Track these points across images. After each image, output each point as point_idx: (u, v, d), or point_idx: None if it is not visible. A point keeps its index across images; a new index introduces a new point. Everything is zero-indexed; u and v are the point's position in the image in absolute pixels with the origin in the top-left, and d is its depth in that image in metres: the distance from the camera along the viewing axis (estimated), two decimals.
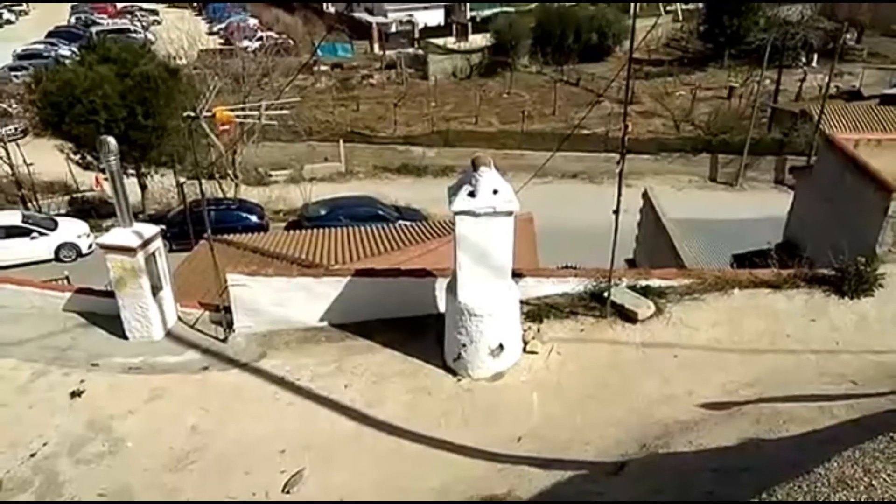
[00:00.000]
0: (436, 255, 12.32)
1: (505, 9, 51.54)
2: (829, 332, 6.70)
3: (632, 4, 44.72)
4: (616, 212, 6.83)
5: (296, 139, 31.29)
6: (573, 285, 7.49)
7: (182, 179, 24.32)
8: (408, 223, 18.16)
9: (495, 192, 6.03)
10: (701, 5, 41.91)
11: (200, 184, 9.02)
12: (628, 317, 6.99)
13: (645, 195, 16.57)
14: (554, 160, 25.30)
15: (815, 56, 38.31)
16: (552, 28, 43.63)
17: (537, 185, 19.19)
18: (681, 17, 46.61)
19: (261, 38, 44.89)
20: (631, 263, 15.03)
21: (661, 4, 44.21)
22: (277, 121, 9.30)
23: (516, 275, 6.88)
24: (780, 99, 33.80)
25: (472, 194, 6.03)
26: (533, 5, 51.84)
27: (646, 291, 7.25)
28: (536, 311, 7.16)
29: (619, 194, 6.79)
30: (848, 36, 40.19)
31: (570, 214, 21.34)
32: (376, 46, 48.39)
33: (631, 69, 6.30)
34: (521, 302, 6.86)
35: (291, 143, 31.37)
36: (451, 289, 6.53)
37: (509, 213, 6.11)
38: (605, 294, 7.12)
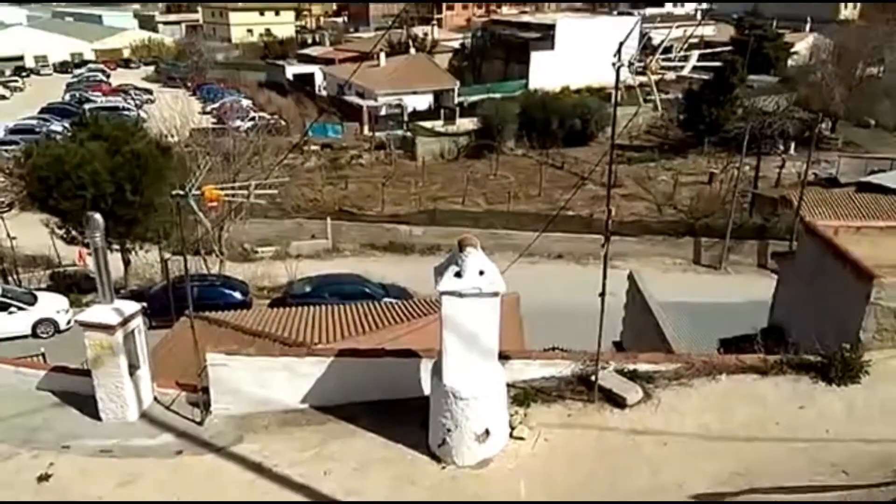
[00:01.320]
0: (422, 334, 12.18)
1: (492, 95, 53.47)
2: (818, 419, 6.60)
3: (612, 93, 46.40)
4: (602, 294, 6.84)
5: (283, 216, 31.52)
6: (560, 368, 7.39)
7: (167, 255, 24.21)
8: (394, 301, 18.07)
9: (481, 272, 6.03)
10: (680, 95, 43.65)
11: (185, 260, 8.96)
12: (616, 402, 6.86)
13: (630, 277, 16.65)
14: (540, 241, 25.62)
15: (793, 144, 39.77)
16: (537, 114, 45.23)
17: (523, 266, 19.31)
18: (660, 108, 48.41)
19: (253, 119, 45.97)
20: (618, 346, 14.93)
21: (640, 94, 45.86)
22: (266, 199, 9.36)
23: (503, 357, 6.78)
24: (759, 185, 34.81)
25: (458, 275, 6.03)
26: (518, 92, 53.90)
27: (633, 376, 7.16)
28: (523, 395, 7.02)
29: (605, 277, 6.82)
30: (823, 126, 41.94)
31: (556, 295, 21.35)
32: (366, 128, 49.64)
33: (613, 154, 6.48)
34: (508, 385, 6.73)
35: (279, 219, 31.57)
36: (437, 371, 6.41)
37: (495, 294, 6.09)
38: (593, 378, 7.02)
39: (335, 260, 29.93)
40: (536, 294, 18.16)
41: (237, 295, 23.69)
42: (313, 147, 44.80)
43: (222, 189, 7.07)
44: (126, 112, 49.31)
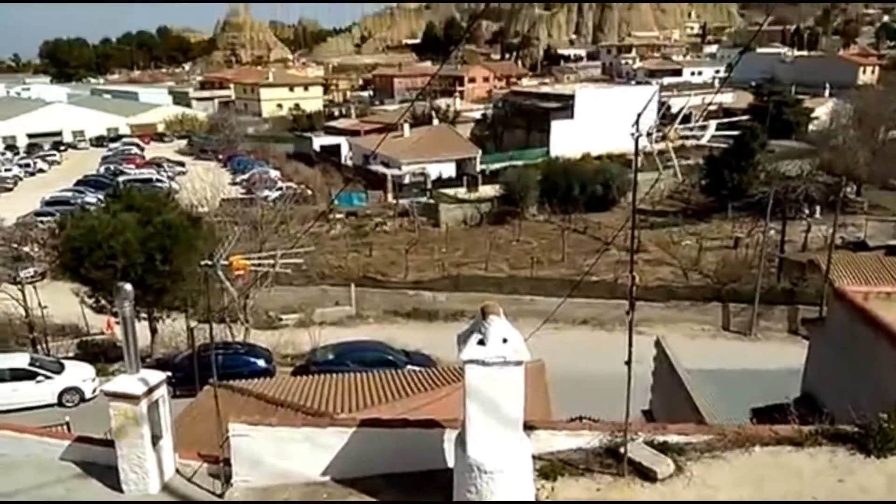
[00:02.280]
0: (445, 403, 12.00)
1: (513, 162, 54.29)
2: (859, 494, 6.30)
3: (633, 160, 47.01)
4: (628, 363, 6.72)
5: (308, 283, 31.77)
6: (588, 439, 7.19)
7: (193, 323, 24.44)
8: (417, 369, 17.90)
9: (505, 340, 5.98)
10: (701, 161, 43.88)
11: (211, 329, 9.05)
12: (647, 475, 6.63)
13: (658, 344, 16.37)
14: (564, 306, 25.39)
15: (818, 208, 39.47)
16: (558, 180, 45.63)
17: (548, 332, 19.11)
18: (679, 175, 48.69)
19: (280, 188, 47.07)
20: (647, 415, 14.56)
21: (659, 162, 46.42)
22: (291, 267, 9.50)
23: (528, 427, 6.64)
24: (786, 249, 34.39)
25: (481, 343, 5.99)
26: (539, 159, 54.68)
27: (664, 447, 6.93)
28: (550, 468, 6.82)
29: (631, 345, 6.71)
30: (848, 189, 41.67)
31: (581, 362, 20.99)
32: (390, 196, 50.44)
33: (635, 220, 6.50)
34: (534, 457, 6.56)
35: (303, 287, 31.82)
36: (461, 442, 6.29)
37: (519, 363, 6.02)
38: (622, 450, 6.81)
39: (359, 327, 29.90)
40: (562, 361, 17.88)
41: (261, 363, 23.68)
42: (338, 215, 45.56)
43: (249, 258, 7.21)
44: (158, 184, 50.86)
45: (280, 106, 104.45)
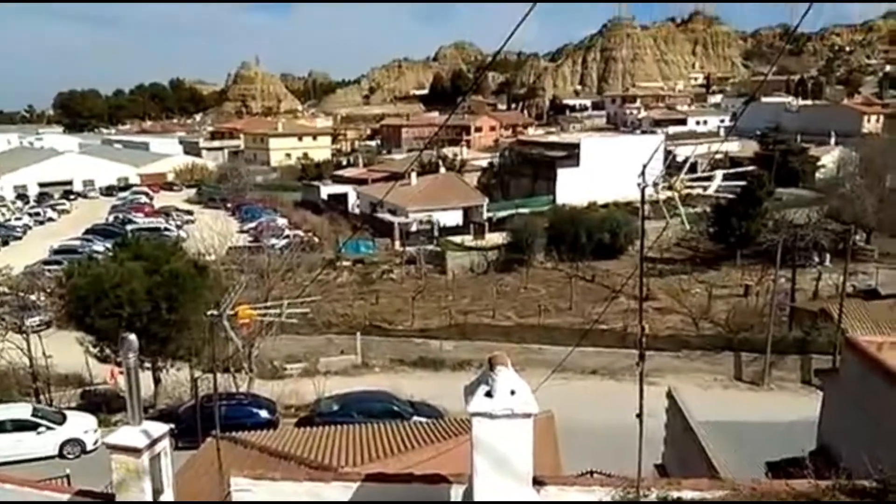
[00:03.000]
0: (452, 456, 11.73)
1: (520, 210, 54.57)
2: None
3: (639, 207, 46.98)
4: (640, 415, 6.58)
5: (314, 332, 31.58)
6: (600, 495, 6.97)
7: (197, 373, 24.24)
8: (423, 420, 17.59)
9: (513, 392, 5.87)
10: (708, 209, 43.95)
11: (215, 379, 8.95)
12: None
13: (670, 396, 16.05)
14: (572, 356, 25.09)
15: (828, 256, 39.28)
16: (565, 228, 45.73)
17: (556, 382, 18.82)
18: (686, 223, 48.63)
19: (288, 237, 47.33)
20: (661, 469, 14.18)
21: (665, 211, 46.31)
22: (297, 317, 9.46)
23: (537, 482, 6.45)
24: (797, 297, 34.08)
25: (489, 395, 5.88)
26: (546, 207, 54.95)
27: None
28: None
29: (642, 397, 6.58)
30: (857, 237, 41.55)
31: (591, 413, 20.60)
32: (397, 243, 50.63)
33: (643, 268, 6.40)
34: None
35: (309, 335, 31.62)
36: (468, 497, 6.11)
37: (528, 416, 5.89)
38: None
39: (364, 376, 29.59)
40: (571, 412, 17.54)
41: (264, 414, 23.36)
42: (345, 263, 45.65)
43: (255, 308, 7.17)
44: (167, 232, 51.26)
45: (289, 155, 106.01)
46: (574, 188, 57.88)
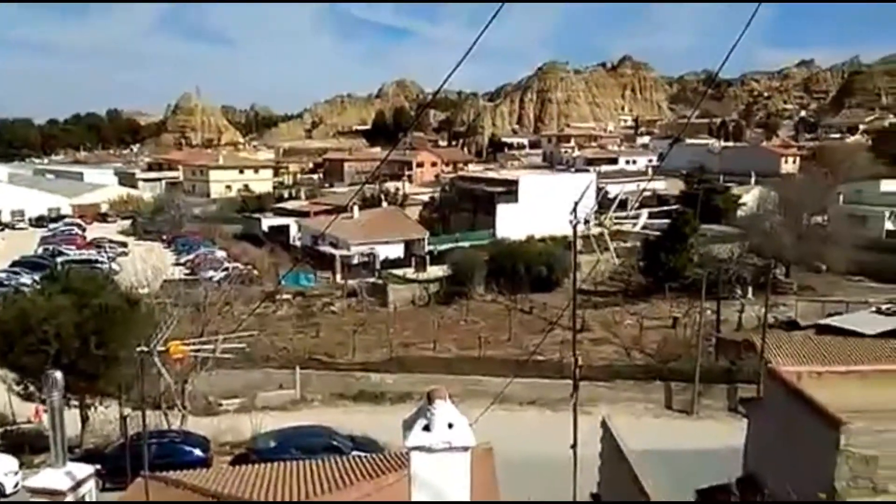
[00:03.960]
0: (391, 491, 11.69)
1: (461, 244, 55.18)
2: None
3: (572, 242, 48.40)
4: (574, 446, 6.81)
5: (251, 366, 30.87)
6: None
7: (127, 411, 23.31)
8: (363, 455, 17.42)
9: (451, 426, 6.01)
10: (638, 244, 45.56)
11: (144, 416, 8.74)
12: None
13: (604, 425, 16.45)
14: (512, 387, 25.39)
15: (750, 289, 41.20)
16: (504, 261, 46.63)
17: (496, 413, 18.99)
18: (615, 258, 50.31)
19: (226, 269, 46.38)
20: (596, 498, 14.46)
21: (596, 246, 48.00)
22: (233, 352, 9.34)
23: None
24: (722, 329, 35.53)
25: (427, 428, 6.00)
26: (486, 241, 55.80)
27: None
28: None
29: (576, 429, 6.84)
30: (777, 271, 43.76)
31: (529, 444, 20.82)
32: (339, 276, 50.29)
33: (576, 300, 6.73)
34: None
35: (246, 370, 30.87)
36: None
37: (465, 449, 6.03)
38: None
39: (303, 411, 29.05)
40: (510, 444, 17.69)
41: (197, 452, 22.61)
42: (285, 296, 44.97)
43: (188, 343, 7.11)
44: (99, 265, 49.40)
45: (229, 187, 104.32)
46: (513, 223, 59.00)
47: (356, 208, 57.95)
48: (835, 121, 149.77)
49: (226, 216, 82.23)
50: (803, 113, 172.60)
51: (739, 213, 62.70)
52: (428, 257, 52.63)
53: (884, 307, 32.77)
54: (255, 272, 48.78)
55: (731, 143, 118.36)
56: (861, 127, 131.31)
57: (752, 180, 73.82)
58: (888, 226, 55.34)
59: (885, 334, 28.92)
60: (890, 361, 19.11)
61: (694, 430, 25.90)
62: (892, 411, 10.50)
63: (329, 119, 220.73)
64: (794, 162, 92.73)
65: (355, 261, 52.10)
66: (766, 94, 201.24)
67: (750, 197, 65.42)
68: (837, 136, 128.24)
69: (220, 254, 57.54)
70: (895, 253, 48.92)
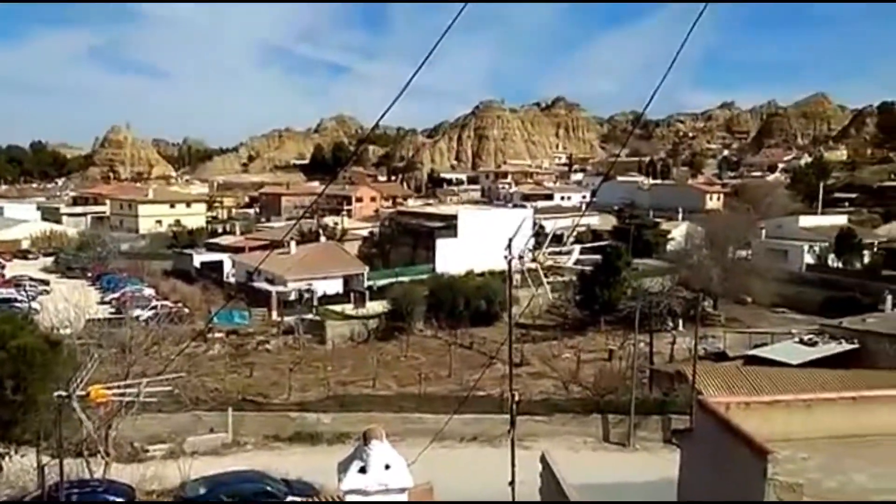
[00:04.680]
0: None
1: (400, 279, 55.01)
2: None
3: (508, 277, 49.10)
4: (512, 483, 6.78)
5: (180, 409, 29.57)
6: None
7: (45, 459, 21.89)
8: (297, 500, 16.89)
9: (387, 467, 5.91)
10: (574, 278, 46.50)
11: (62, 465, 8.23)
12: None
13: (543, 460, 16.52)
14: (452, 423, 25.24)
15: (680, 321, 42.53)
16: (444, 296, 46.71)
17: (436, 450, 18.80)
18: (549, 293, 51.17)
19: (155, 307, 44.64)
20: None
21: (531, 281, 48.66)
22: (159, 395, 8.92)
23: None
24: (655, 360, 36.43)
25: (363, 470, 5.87)
26: (426, 276, 55.83)
27: None
28: None
29: (514, 465, 6.82)
30: (706, 303, 45.37)
31: (469, 482, 20.63)
32: (275, 313, 49.22)
33: (513, 335, 6.78)
34: None
35: (174, 413, 29.55)
36: None
37: (402, 490, 5.93)
38: None
39: (236, 455, 27.97)
40: (450, 482, 17.51)
41: (120, 501, 21.41)
42: (218, 334, 43.55)
43: (111, 387, 6.78)
44: (18, 304, 46.81)
45: (160, 222, 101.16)
46: (452, 257, 59.34)
47: (293, 243, 57.14)
48: (755, 160, 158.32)
49: (155, 252, 79.60)
50: (726, 152, 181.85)
51: (669, 247, 64.99)
52: (367, 293, 52.22)
53: (805, 338, 34.36)
54: (186, 310, 47.14)
55: (659, 181, 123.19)
56: (780, 165, 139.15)
57: (680, 216, 76.82)
58: (808, 259, 58.44)
59: (809, 364, 30.36)
60: (813, 390, 19.97)
61: (631, 463, 26.25)
62: (816, 439, 10.95)
63: (266, 153, 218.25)
64: (718, 199, 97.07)
65: (292, 297, 51.16)
66: (691, 135, 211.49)
67: (678, 232, 67.97)
68: (758, 174, 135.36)
69: (149, 291, 55.44)
70: (815, 285, 51.68)
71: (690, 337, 34.87)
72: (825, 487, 9.45)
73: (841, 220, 70.51)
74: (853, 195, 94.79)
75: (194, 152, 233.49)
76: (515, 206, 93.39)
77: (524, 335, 43.04)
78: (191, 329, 40.42)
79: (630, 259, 49.33)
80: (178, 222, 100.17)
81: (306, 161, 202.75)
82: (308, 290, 51.89)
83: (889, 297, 42.85)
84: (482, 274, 54.82)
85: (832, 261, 58.73)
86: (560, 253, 8.90)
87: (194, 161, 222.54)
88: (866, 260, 58.79)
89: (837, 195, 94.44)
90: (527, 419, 28.19)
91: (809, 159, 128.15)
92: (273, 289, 51.34)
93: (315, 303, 50.39)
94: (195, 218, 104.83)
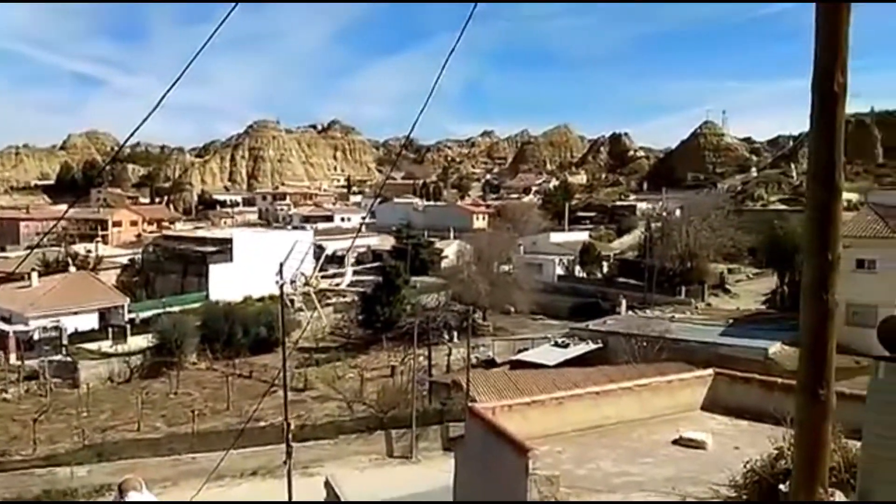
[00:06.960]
0: None
1: (168, 309, 50.96)
2: None
3: (293, 299, 48.29)
4: None
5: None
6: None
7: None
8: (298, 500, 14.80)
9: None
10: (356, 297, 47.03)
11: None
12: None
13: (327, 485, 16.43)
14: (231, 459, 23.90)
15: (455, 333, 45.02)
16: (219, 324, 44.35)
17: (211, 489, 17.67)
18: (323, 316, 51.39)
19: None
20: None
21: (305, 305, 48.75)
22: None
23: None
24: (434, 372, 38.10)
25: None
26: (198, 304, 52.40)
27: None
28: None
29: (290, 495, 6.71)
30: (476, 315, 48.54)
31: None
32: (13, 356, 42.85)
33: (286, 362, 6.66)
34: None
35: None
36: None
37: None
38: None
39: None
40: None
41: None
42: None
43: None
44: None
45: None
46: (228, 283, 56.45)
47: (34, 274, 50.22)
48: (513, 183, 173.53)
49: None
50: (488, 176, 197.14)
51: (443, 264, 68.46)
52: (129, 326, 47.61)
53: (559, 340, 38.39)
54: None
55: (432, 203, 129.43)
56: (533, 188, 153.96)
57: (451, 235, 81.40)
58: (559, 271, 65.38)
59: (563, 363, 33.92)
60: (566, 388, 22.29)
61: (414, 474, 27.00)
62: (568, 433, 12.31)
63: (0, 173, 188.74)
64: (484, 218, 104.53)
65: (36, 336, 44.85)
66: (458, 160, 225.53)
67: (450, 250, 71.94)
68: (516, 196, 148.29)
69: None
70: (565, 293, 58.09)
71: (463, 348, 37.05)
72: (577, 475, 10.62)
73: (583, 235, 79.92)
74: (592, 214, 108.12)
75: None
76: (295, 227, 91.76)
77: (307, 359, 42.39)
78: None
79: (408, 277, 51.11)
80: None
81: (51, 181, 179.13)
82: (56, 328, 45.87)
83: (624, 301, 49.54)
84: (261, 299, 52.98)
85: (578, 271, 66.41)
86: (335, 275, 9.03)
87: None
88: (605, 270, 67.40)
89: (580, 214, 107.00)
90: (312, 444, 27.76)
91: (557, 183, 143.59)
92: (10, 328, 44.60)
93: (65, 342, 44.69)
94: None
